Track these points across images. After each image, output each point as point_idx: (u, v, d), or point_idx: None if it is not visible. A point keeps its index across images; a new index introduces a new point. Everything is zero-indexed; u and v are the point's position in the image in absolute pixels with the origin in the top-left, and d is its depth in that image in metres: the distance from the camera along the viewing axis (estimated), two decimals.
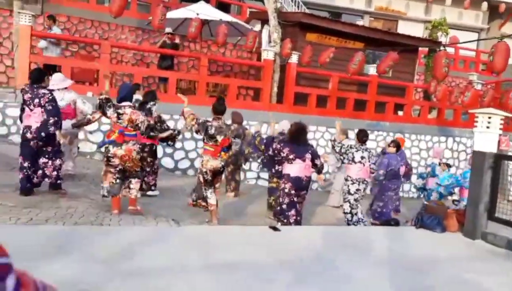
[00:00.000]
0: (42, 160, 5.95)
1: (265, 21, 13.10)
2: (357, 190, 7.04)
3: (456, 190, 7.90)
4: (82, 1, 14.18)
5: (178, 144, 9.34)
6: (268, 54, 11.36)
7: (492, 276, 4.47)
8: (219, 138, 5.70)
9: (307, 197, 6.44)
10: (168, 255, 4.00)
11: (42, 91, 5.79)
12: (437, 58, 8.81)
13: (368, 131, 7.73)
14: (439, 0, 21.54)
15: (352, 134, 9.50)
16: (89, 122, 6.35)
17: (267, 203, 7.59)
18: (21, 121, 6.02)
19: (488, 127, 5.96)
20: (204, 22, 12.17)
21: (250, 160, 8.99)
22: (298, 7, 16.50)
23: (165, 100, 8.62)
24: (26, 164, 5.79)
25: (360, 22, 18.28)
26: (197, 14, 10.89)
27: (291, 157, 5.99)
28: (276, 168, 6.97)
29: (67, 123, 6.45)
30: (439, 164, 8.79)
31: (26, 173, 5.79)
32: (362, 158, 7.03)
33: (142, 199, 6.77)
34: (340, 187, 8.51)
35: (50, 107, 5.74)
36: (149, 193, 7.13)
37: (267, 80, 11.37)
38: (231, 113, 8.50)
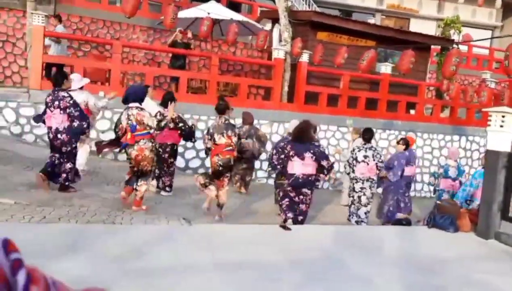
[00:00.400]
0: (48, 161, 6.20)
1: (275, 20, 13.07)
2: (362, 188, 7.07)
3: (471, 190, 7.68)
4: (94, 1, 14.29)
5: (189, 144, 9.38)
6: (278, 53, 11.34)
7: (505, 276, 4.41)
8: (217, 137, 6.01)
9: (317, 196, 6.40)
10: (178, 254, 4.03)
11: (62, 94, 6.11)
12: (449, 56, 8.72)
13: (380, 130, 7.69)
14: None
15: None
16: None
17: (274, 198, 7.62)
18: (44, 123, 6.38)
19: (502, 126, 5.89)
20: (215, 22, 12.20)
21: (260, 159, 9.01)
22: (309, 5, 16.43)
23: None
24: (52, 154, 6.20)
25: (371, 20, 18.18)
26: (208, 13, 10.92)
27: (291, 154, 6.03)
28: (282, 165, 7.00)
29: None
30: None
31: (53, 160, 6.14)
32: (366, 157, 7.02)
33: (154, 197, 6.83)
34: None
35: (75, 112, 6.07)
36: (163, 193, 7.19)
37: (277, 79, 11.35)
38: (242, 114, 8.53)
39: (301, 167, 5.95)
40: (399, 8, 21.77)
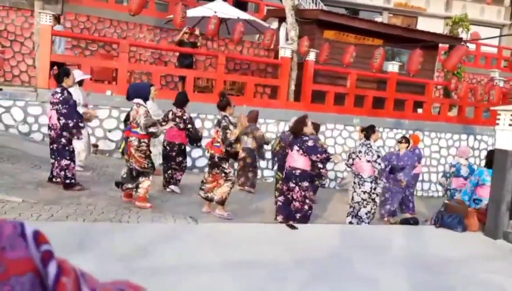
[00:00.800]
0: (51, 161, 6.21)
1: (282, 19, 13.05)
2: (353, 185, 6.99)
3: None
4: (101, 1, 14.36)
5: None
6: (285, 52, 11.31)
7: None
8: (214, 132, 6.31)
9: (324, 195, 6.39)
10: (184, 252, 4.03)
11: (55, 90, 6.08)
12: (455, 51, 8.67)
13: (387, 130, 7.65)
14: None
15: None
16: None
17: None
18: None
19: (510, 125, 5.84)
20: (222, 20, 12.19)
21: (267, 157, 9.00)
22: (315, 4, 16.39)
23: None
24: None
25: (378, 19, 18.07)
26: (215, 12, 10.92)
27: (287, 146, 6.20)
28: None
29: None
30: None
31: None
32: (359, 152, 6.78)
33: (161, 196, 6.84)
34: None
35: (62, 109, 5.96)
36: (172, 186, 7.22)
37: (284, 78, 11.33)
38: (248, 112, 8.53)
39: (289, 159, 6.03)
40: (406, 6, 21.66)
